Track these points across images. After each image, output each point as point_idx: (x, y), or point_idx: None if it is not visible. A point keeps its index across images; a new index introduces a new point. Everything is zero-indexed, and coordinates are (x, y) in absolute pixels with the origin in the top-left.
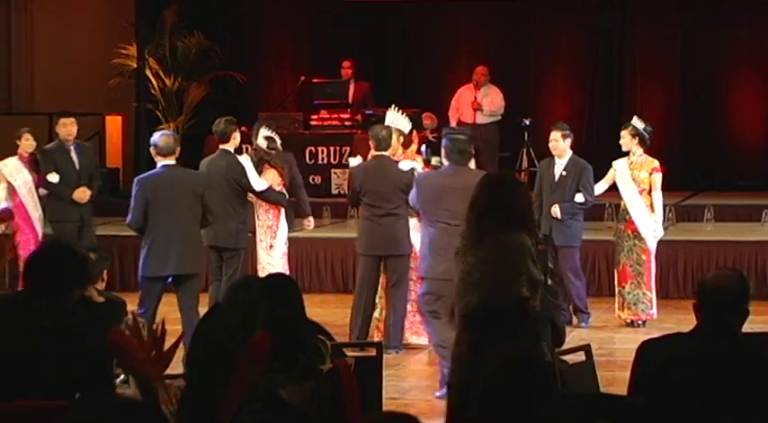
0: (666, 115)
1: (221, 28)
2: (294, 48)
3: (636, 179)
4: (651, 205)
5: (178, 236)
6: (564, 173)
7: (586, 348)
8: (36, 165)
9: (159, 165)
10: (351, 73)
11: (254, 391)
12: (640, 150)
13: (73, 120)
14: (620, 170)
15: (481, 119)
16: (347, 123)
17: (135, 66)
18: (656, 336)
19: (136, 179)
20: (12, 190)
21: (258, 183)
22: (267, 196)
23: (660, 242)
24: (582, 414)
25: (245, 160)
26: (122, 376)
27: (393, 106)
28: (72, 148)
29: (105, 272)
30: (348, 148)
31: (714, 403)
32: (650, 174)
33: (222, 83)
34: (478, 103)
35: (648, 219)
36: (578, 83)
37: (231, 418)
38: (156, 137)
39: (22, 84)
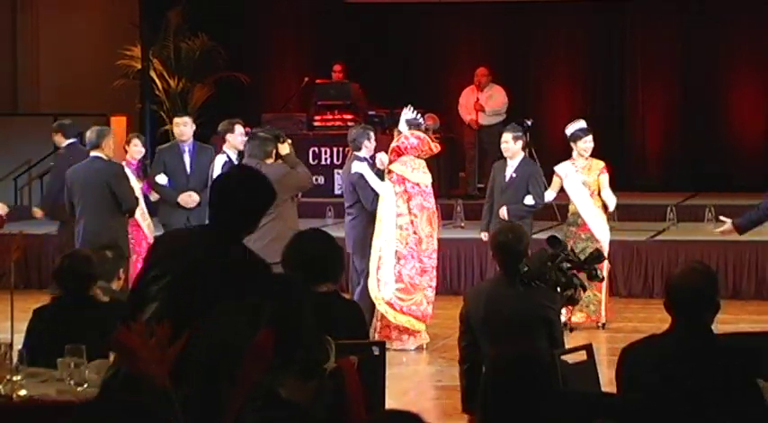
0: (666, 115)
1: (225, 29)
2: (297, 48)
3: (585, 182)
4: (603, 206)
5: (86, 221)
6: (514, 175)
7: (588, 348)
8: (144, 171)
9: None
10: (341, 76)
11: (256, 389)
12: (587, 154)
13: (186, 119)
14: (567, 175)
15: (485, 120)
16: (350, 124)
17: (139, 67)
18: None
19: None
20: None
21: None
22: None
23: (661, 242)
24: (583, 413)
25: (217, 161)
26: None
27: (409, 105)
28: (186, 149)
29: (122, 270)
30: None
31: (691, 402)
32: (598, 175)
33: (226, 84)
34: (480, 104)
35: (602, 221)
36: (578, 83)
37: (235, 418)
38: (88, 132)
39: (28, 85)
